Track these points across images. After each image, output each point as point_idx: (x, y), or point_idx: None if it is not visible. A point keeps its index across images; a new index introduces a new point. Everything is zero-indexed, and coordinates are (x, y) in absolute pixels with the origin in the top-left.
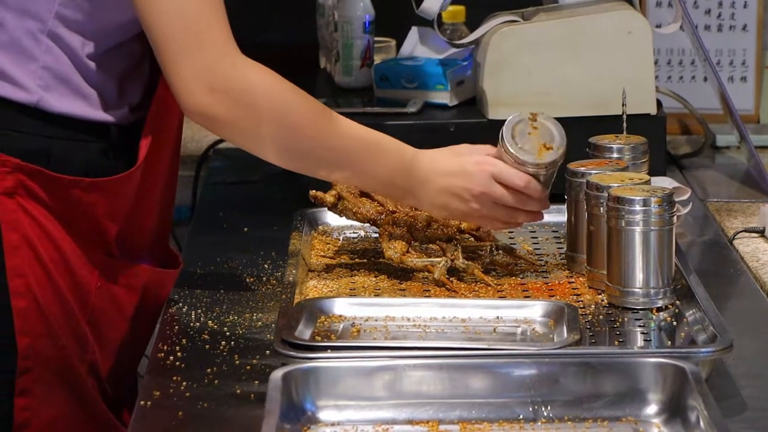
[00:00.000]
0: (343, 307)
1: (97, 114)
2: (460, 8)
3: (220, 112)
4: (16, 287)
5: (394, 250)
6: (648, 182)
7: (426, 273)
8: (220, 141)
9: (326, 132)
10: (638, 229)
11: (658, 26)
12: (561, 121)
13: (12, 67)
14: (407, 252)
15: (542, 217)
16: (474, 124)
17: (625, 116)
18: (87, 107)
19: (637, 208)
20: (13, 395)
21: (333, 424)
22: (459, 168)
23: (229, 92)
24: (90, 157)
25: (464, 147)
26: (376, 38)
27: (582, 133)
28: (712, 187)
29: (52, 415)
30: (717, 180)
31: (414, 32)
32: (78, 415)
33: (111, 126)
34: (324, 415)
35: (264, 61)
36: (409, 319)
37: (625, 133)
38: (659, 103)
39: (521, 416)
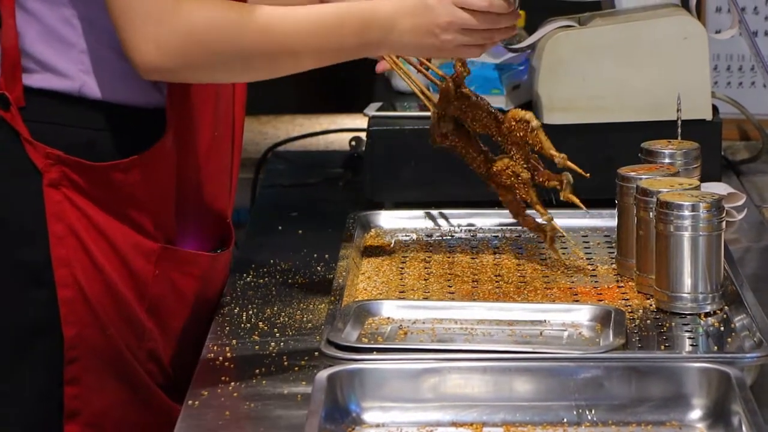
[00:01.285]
0: (390, 309)
1: (142, 98)
2: (520, 13)
3: (172, 65)
4: (62, 277)
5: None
6: (698, 188)
7: None
8: (280, 143)
9: (281, 38)
10: (687, 234)
11: (718, 32)
12: (617, 126)
13: (52, 55)
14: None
15: (516, 30)
16: None
17: (679, 122)
18: (130, 91)
19: (686, 213)
20: (63, 384)
21: (377, 426)
22: (420, 4)
23: (175, 43)
24: (135, 144)
25: None
26: None
27: (637, 138)
28: None
29: (103, 404)
30: None
31: None
32: (132, 403)
33: (156, 110)
34: (368, 416)
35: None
36: (456, 322)
37: (679, 138)
38: (715, 109)
39: (565, 420)
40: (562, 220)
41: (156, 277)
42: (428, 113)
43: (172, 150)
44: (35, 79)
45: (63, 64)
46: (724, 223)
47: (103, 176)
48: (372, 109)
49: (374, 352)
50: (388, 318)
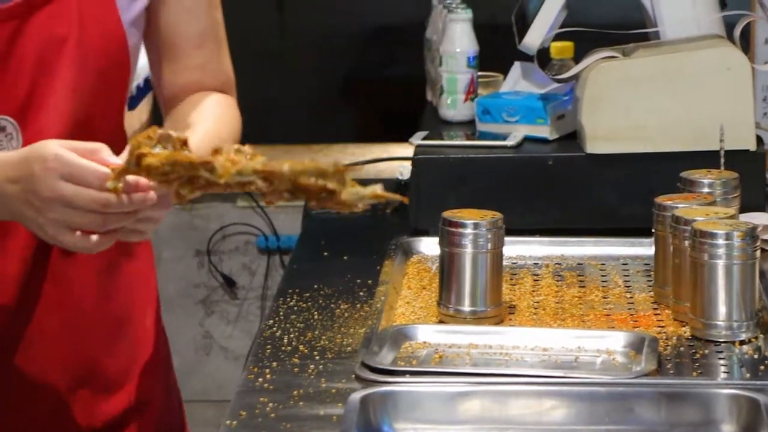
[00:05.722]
0: (427, 333)
1: None
2: (568, 44)
3: None
4: None
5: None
6: (733, 217)
7: None
8: None
9: None
10: (721, 263)
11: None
12: (659, 155)
13: None
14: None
15: (145, 237)
16: (572, 158)
17: (722, 152)
18: None
19: (720, 242)
20: None
21: None
22: (26, 170)
23: None
24: None
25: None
26: (484, 73)
27: (680, 167)
28: None
29: None
30: None
31: (517, 67)
32: None
33: None
34: None
35: (376, 94)
36: (491, 347)
37: (722, 168)
38: (760, 139)
39: None
40: (603, 248)
41: None
42: (474, 142)
43: None
44: None
45: None
46: (758, 252)
47: None
48: (418, 138)
49: (408, 375)
50: (425, 342)
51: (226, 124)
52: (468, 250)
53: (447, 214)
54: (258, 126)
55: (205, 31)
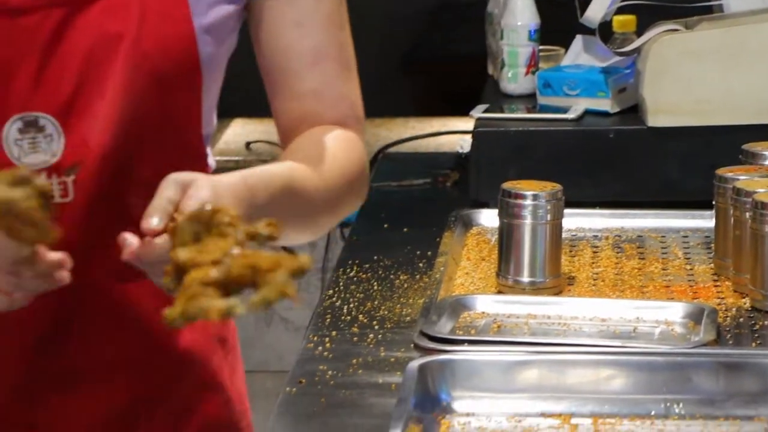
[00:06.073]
0: (486, 304)
1: None
2: (631, 17)
3: None
4: None
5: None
6: None
7: None
8: (391, 144)
9: None
10: None
11: None
12: (722, 128)
13: None
14: None
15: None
16: (633, 131)
17: None
18: None
19: None
20: None
21: (467, 415)
22: None
23: None
24: None
25: None
26: (546, 46)
27: (742, 140)
28: None
29: None
30: None
31: (578, 40)
32: None
33: None
34: (458, 405)
35: (438, 68)
36: (549, 317)
37: None
38: None
39: (653, 412)
40: (663, 221)
41: None
42: (534, 115)
43: None
44: None
45: None
46: None
47: None
48: (478, 111)
49: (466, 344)
50: (483, 312)
51: (332, 161)
52: (527, 221)
53: (506, 185)
54: None
55: (320, 49)
